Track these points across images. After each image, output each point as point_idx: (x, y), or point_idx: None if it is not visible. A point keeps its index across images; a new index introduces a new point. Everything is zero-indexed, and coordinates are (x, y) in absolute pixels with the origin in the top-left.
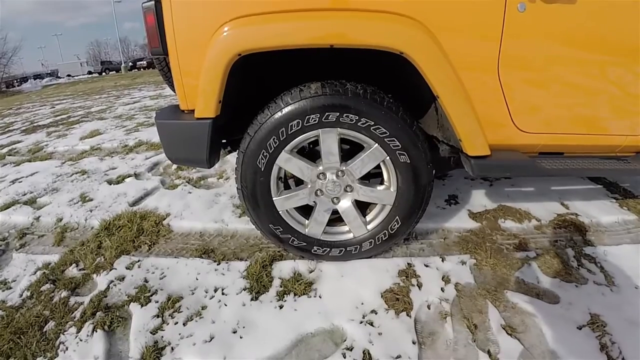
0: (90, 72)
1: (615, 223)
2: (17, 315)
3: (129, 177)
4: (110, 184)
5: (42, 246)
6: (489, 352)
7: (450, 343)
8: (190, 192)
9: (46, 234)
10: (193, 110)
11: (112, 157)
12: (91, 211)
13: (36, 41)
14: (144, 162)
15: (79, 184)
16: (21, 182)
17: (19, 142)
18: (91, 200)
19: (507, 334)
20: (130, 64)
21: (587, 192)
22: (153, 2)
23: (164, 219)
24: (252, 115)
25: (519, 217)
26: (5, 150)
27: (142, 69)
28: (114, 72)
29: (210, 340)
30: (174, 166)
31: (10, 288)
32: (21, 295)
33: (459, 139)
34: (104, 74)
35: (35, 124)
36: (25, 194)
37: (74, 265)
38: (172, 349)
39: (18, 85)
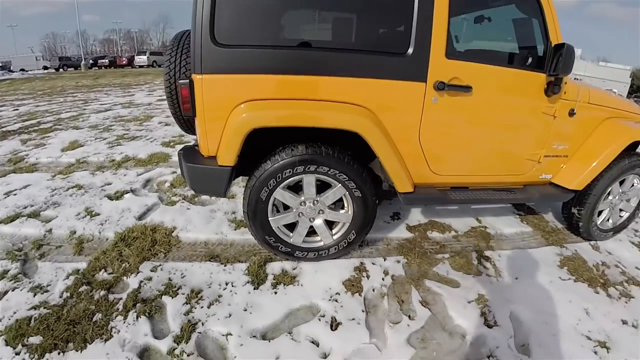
0: (46, 67)
1: (514, 233)
2: (64, 311)
3: (126, 193)
4: (111, 200)
5: (64, 255)
6: (409, 316)
7: (386, 311)
8: (188, 209)
9: (63, 245)
10: (212, 156)
11: (103, 172)
12: (102, 224)
13: None
14: (137, 179)
15: (79, 199)
16: (16, 194)
17: None
18: (98, 214)
19: (423, 306)
20: (90, 61)
21: (498, 210)
22: (188, 81)
23: (172, 232)
24: (250, 155)
25: (442, 229)
26: None
27: (103, 67)
28: (73, 68)
29: (230, 316)
30: (167, 183)
31: (48, 291)
32: (61, 296)
33: (392, 181)
34: (61, 70)
35: (3, 129)
36: (26, 207)
37: (102, 270)
38: (203, 323)
39: None
